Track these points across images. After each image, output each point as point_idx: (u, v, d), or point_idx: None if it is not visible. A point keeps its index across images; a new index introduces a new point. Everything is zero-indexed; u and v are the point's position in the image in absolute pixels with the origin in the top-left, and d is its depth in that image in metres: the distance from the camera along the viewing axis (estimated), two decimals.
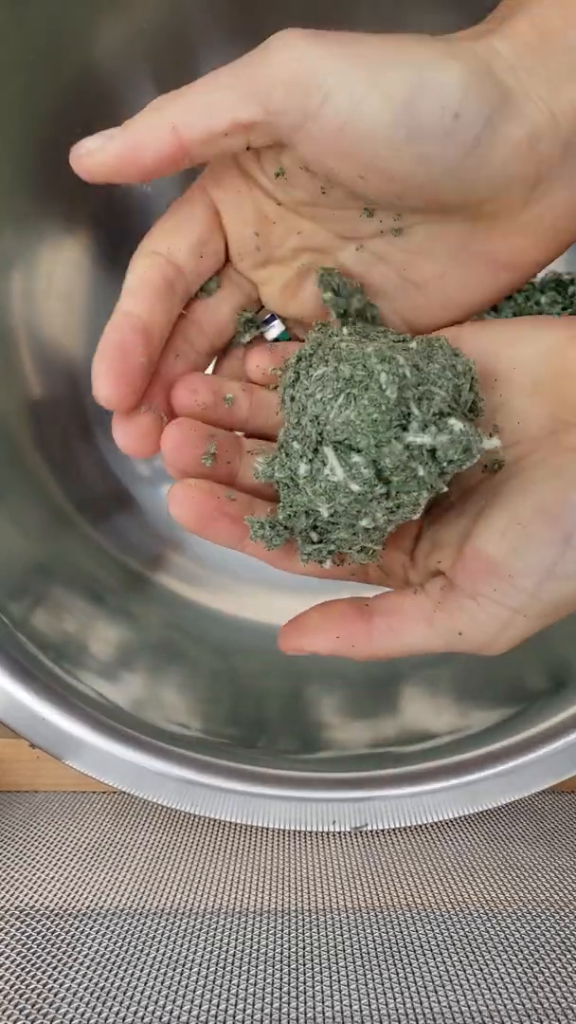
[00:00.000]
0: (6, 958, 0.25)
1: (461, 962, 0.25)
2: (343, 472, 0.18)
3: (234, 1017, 0.23)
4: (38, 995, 0.24)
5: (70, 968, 0.25)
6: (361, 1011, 0.23)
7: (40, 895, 0.28)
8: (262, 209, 0.21)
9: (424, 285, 0.22)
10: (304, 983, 0.25)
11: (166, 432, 0.20)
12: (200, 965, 0.25)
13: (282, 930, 0.27)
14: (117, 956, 0.26)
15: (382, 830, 0.32)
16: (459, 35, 0.18)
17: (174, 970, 0.25)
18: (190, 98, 0.18)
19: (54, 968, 0.25)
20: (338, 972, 0.25)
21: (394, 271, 0.22)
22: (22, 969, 0.25)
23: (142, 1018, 0.23)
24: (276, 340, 0.24)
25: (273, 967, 0.25)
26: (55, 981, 0.24)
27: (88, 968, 0.25)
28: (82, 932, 0.27)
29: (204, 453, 0.21)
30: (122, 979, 0.25)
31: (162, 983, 0.24)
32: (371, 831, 0.32)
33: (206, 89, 0.18)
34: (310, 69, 0.17)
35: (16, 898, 0.28)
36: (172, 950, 0.26)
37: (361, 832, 0.32)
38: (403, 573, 0.23)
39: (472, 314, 0.22)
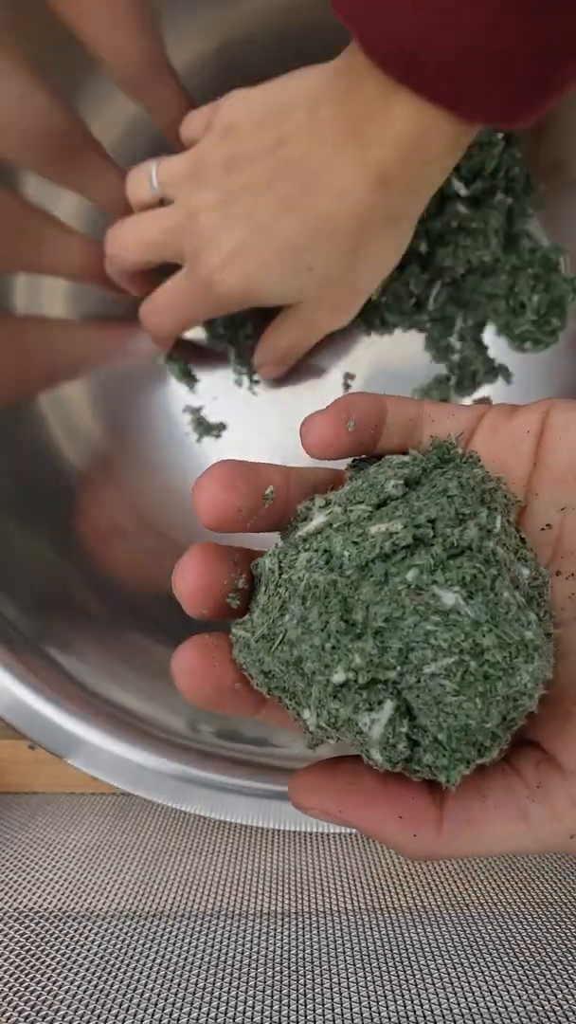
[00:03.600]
0: (5, 959, 0.25)
1: (462, 964, 0.25)
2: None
3: (233, 1020, 0.23)
4: (37, 996, 0.23)
5: (69, 970, 0.25)
6: (361, 1014, 0.23)
7: (39, 897, 0.28)
8: None
9: None
10: (304, 986, 0.24)
11: (185, 564, 0.17)
12: (199, 967, 0.25)
13: (282, 932, 0.27)
14: (116, 958, 0.25)
15: None
16: None
17: (173, 972, 0.25)
18: None
19: (53, 970, 0.25)
20: (338, 974, 0.25)
21: None
22: (20, 971, 0.24)
23: (141, 1020, 0.23)
24: None
25: (273, 969, 0.25)
26: (53, 983, 0.24)
27: (87, 970, 0.25)
28: (81, 934, 0.26)
29: (231, 590, 0.17)
30: (121, 981, 0.24)
31: (161, 985, 0.24)
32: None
33: None
34: None
35: (15, 899, 0.28)
36: (171, 952, 0.26)
37: (359, 834, 0.32)
38: None
39: None
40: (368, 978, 0.25)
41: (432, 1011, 0.23)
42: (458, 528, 0.15)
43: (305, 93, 0.28)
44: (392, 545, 0.15)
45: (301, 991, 0.24)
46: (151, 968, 0.25)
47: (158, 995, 0.24)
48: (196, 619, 0.17)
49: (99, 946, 0.26)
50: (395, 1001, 0.24)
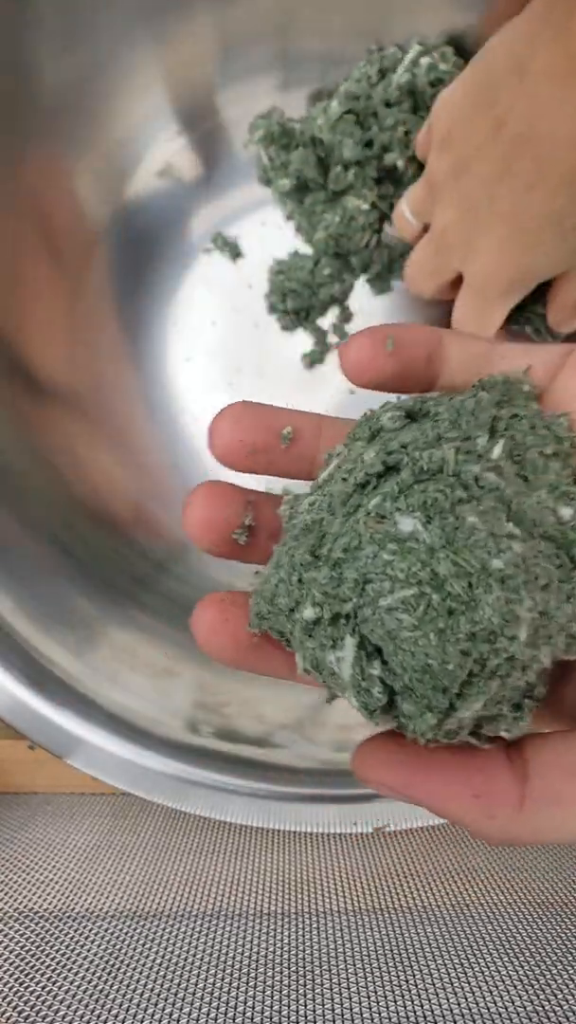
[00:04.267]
0: (4, 960, 0.25)
1: (462, 964, 0.25)
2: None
3: (233, 1020, 0.23)
4: (36, 997, 0.23)
5: (69, 971, 0.25)
6: (362, 1013, 0.23)
7: (39, 897, 0.28)
8: None
9: None
10: (305, 986, 0.24)
11: (192, 499, 0.17)
12: (200, 968, 0.25)
13: (282, 933, 0.27)
14: (116, 958, 0.25)
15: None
16: None
17: (173, 972, 0.25)
18: None
19: (53, 971, 0.25)
20: (339, 974, 0.25)
21: None
22: (20, 971, 0.24)
23: (141, 1020, 0.23)
24: None
25: (273, 970, 0.25)
26: (54, 984, 0.24)
27: (87, 970, 0.25)
28: (81, 934, 0.26)
29: (238, 527, 0.17)
30: (121, 981, 0.24)
31: (161, 985, 0.24)
32: (370, 833, 0.32)
33: None
34: None
35: (15, 900, 0.28)
36: (171, 952, 0.26)
37: (362, 834, 0.32)
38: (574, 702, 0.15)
39: None
40: (368, 978, 0.25)
41: (432, 1011, 0.23)
42: (428, 451, 0.14)
43: (505, 61, 0.26)
44: (365, 475, 0.14)
45: (301, 991, 0.24)
46: (151, 968, 0.25)
47: (158, 995, 0.24)
48: (210, 555, 0.17)
49: (99, 946, 0.26)
50: (395, 1001, 0.24)
